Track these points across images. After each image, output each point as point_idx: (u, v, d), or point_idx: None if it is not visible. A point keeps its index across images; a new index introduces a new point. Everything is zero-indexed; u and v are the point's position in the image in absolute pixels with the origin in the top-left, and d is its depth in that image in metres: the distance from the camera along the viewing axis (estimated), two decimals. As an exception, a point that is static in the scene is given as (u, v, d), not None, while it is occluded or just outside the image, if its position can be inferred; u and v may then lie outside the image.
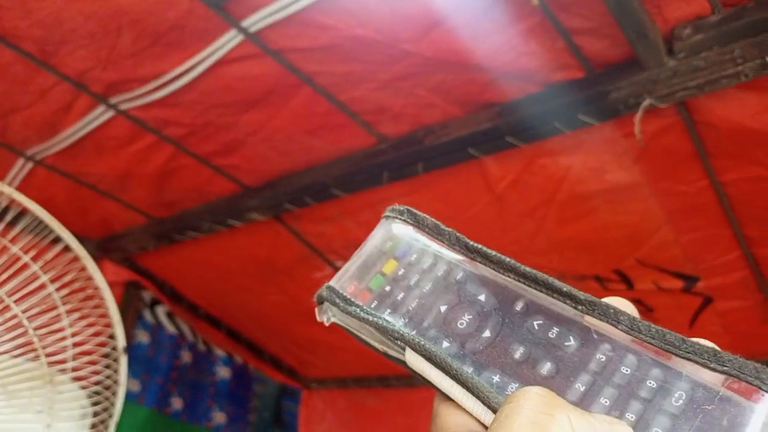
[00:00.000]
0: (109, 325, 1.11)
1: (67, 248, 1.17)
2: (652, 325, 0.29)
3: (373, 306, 0.35)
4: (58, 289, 1.05)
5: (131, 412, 1.87)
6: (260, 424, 2.67)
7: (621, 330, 0.30)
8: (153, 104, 1.19)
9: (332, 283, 0.36)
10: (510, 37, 0.91)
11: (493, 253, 0.35)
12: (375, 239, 0.38)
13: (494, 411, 0.29)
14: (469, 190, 1.23)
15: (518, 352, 0.31)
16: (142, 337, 1.97)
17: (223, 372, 2.23)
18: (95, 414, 1.09)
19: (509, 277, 0.33)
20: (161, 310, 2.05)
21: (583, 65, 0.93)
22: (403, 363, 0.34)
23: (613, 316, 0.30)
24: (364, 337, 0.36)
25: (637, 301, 1.32)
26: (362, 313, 0.34)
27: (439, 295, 0.34)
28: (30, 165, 1.44)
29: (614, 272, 1.25)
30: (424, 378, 0.33)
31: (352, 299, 0.35)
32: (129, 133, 1.30)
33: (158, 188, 1.51)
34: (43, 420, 1.00)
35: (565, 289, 0.31)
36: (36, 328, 0.99)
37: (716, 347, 0.27)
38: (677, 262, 1.19)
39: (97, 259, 1.80)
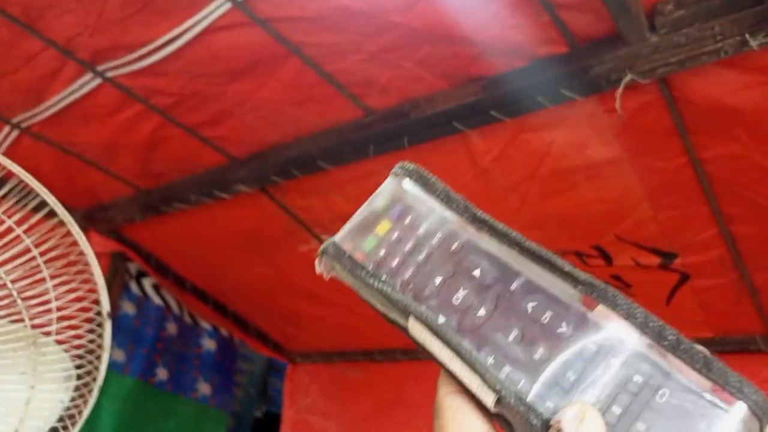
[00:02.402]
0: (93, 291, 1.12)
1: (52, 214, 1.17)
2: (650, 316, 0.29)
3: (370, 268, 0.34)
4: (42, 254, 1.05)
5: (116, 382, 1.89)
6: (246, 399, 2.71)
7: (619, 315, 0.29)
8: (140, 72, 1.19)
9: (337, 239, 0.35)
10: (496, 10, 0.92)
11: (500, 225, 0.34)
12: (378, 196, 0.37)
13: (493, 390, 0.29)
14: (454, 164, 1.24)
15: (512, 334, 0.30)
16: (128, 308, 1.98)
17: (209, 344, 2.25)
18: (79, 377, 1.10)
19: (513, 250, 0.32)
20: (147, 282, 2.06)
21: (567, 40, 0.95)
22: (404, 329, 0.33)
23: (611, 300, 0.29)
24: (365, 295, 0.35)
25: (615, 278, 1.35)
26: (367, 277, 0.34)
27: (436, 264, 0.33)
28: (16, 133, 1.43)
29: (594, 248, 1.28)
30: (424, 347, 0.32)
31: (358, 260, 0.34)
32: (116, 102, 1.30)
33: (145, 159, 1.51)
34: (26, 381, 1.01)
35: (566, 268, 0.31)
36: (19, 291, 0.99)
37: (707, 353, 0.28)
38: (655, 239, 1.21)
39: (84, 230, 1.79)
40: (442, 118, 1.11)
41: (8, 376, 1.00)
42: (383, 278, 0.34)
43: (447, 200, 0.36)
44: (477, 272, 0.32)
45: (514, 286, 0.31)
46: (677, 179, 1.09)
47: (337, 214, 1.51)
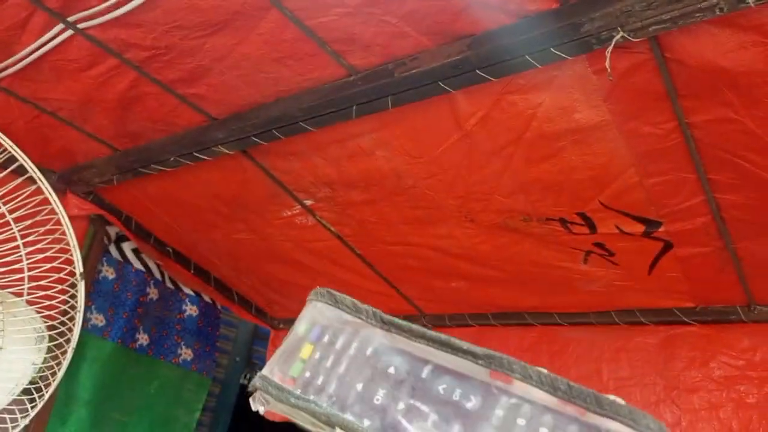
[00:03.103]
0: (67, 251, 1.09)
1: (24, 174, 1.13)
2: (542, 373, 0.32)
3: (299, 392, 0.37)
4: (11, 212, 1.02)
5: (96, 346, 1.87)
6: (232, 366, 2.71)
7: (517, 379, 0.33)
8: (113, 23, 1.14)
9: (265, 372, 0.39)
10: (484, -38, 0.88)
11: (404, 323, 0.38)
12: (298, 325, 0.41)
13: None
14: (438, 126, 1.21)
15: (430, 419, 0.33)
16: (108, 272, 1.95)
17: (191, 310, 2.23)
18: (52, 339, 1.08)
19: (419, 342, 0.36)
20: (127, 246, 2.02)
21: (557, -5, 0.91)
22: None
23: (507, 366, 0.33)
24: (297, 421, 0.38)
25: (598, 245, 1.34)
26: (293, 399, 0.36)
27: (355, 373, 0.36)
28: (-16, 87, 1.38)
29: (578, 215, 1.26)
30: None
31: (284, 386, 0.37)
32: (88, 56, 1.24)
33: (121, 117, 1.46)
34: (-4, 341, 0.98)
35: (465, 347, 0.35)
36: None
37: (596, 392, 0.31)
38: (640, 206, 1.20)
39: (60, 191, 1.76)
40: (427, 77, 1.08)
41: (-24, 335, 0.98)
42: (310, 398, 0.37)
43: (356, 311, 0.40)
44: (391, 369, 0.36)
45: (424, 374, 0.35)
46: (665, 145, 1.07)
47: (319, 177, 1.48)
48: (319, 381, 0.37)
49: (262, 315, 2.40)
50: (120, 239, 2.00)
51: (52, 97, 1.41)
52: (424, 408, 0.34)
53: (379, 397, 0.35)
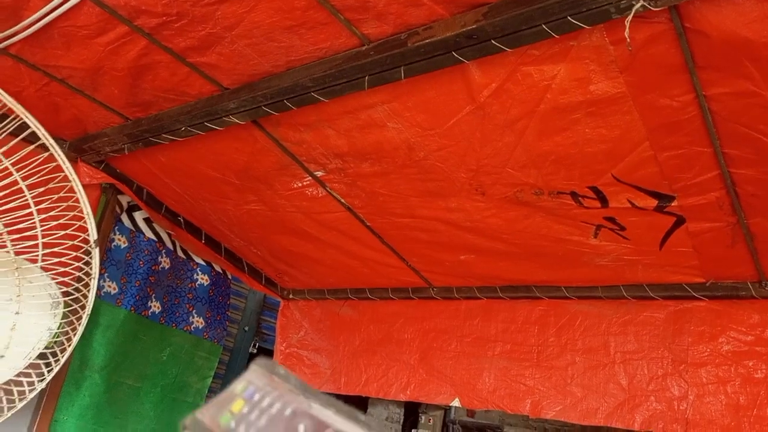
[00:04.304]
0: (79, 219, 1.10)
1: (36, 143, 1.14)
2: None
3: None
4: (23, 179, 1.02)
5: (109, 313, 1.90)
6: (242, 336, 2.74)
7: None
8: (123, -11, 1.13)
9: (198, 414, 0.45)
10: (502, -72, 0.86)
11: (322, 395, 0.44)
12: (237, 383, 0.47)
13: None
14: (451, 98, 1.20)
15: None
16: (120, 241, 1.97)
17: (202, 279, 2.25)
18: (67, 305, 1.10)
19: (329, 410, 0.42)
20: (139, 216, 2.04)
21: (576, -37, 0.89)
22: None
23: None
24: None
25: (609, 219, 1.33)
26: None
27: (272, 427, 0.42)
28: (-5, 53, 1.37)
29: (590, 189, 1.25)
30: None
31: (211, 429, 0.44)
32: (98, 22, 1.23)
33: (132, 86, 1.45)
34: (11, 308, 1.00)
35: (363, 419, 0.40)
36: (2, 213, 0.97)
37: None
38: (654, 180, 1.19)
39: (71, 160, 1.76)
40: (441, 46, 1.06)
41: (-9, 300, 0.99)
42: None
43: (286, 379, 0.46)
44: (301, 427, 0.42)
45: None
46: (681, 118, 1.06)
47: (330, 149, 1.48)
48: (241, 430, 0.43)
49: (272, 285, 2.42)
50: (132, 208, 2.01)
51: (62, 65, 1.41)
52: None
53: None
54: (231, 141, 1.57)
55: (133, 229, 2.01)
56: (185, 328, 2.14)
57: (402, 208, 1.57)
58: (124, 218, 2.00)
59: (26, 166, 1.06)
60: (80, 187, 1.08)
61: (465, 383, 1.76)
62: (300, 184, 1.66)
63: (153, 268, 2.06)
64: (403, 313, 2.04)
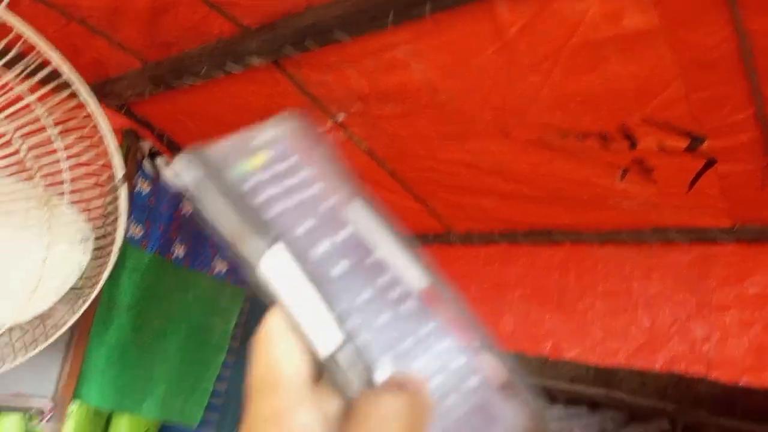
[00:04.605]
0: (102, 156, 1.11)
1: (59, 82, 1.14)
2: (474, 319, 0.33)
3: (237, 192, 0.32)
4: (50, 114, 1.03)
5: (135, 256, 1.94)
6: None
7: (452, 311, 0.33)
8: None
9: (208, 150, 0.33)
10: None
11: (373, 201, 0.35)
12: (262, 130, 0.36)
13: (340, 334, 0.30)
14: (476, 37, 1.16)
15: (361, 297, 0.31)
16: (143, 186, 1.99)
17: (224, 224, 2.28)
18: (96, 240, 1.12)
19: (380, 226, 0.34)
20: (161, 161, 2.05)
21: None
22: (252, 266, 0.31)
23: (447, 298, 0.33)
24: (217, 218, 0.32)
25: (637, 162, 1.31)
26: (236, 194, 0.31)
27: (302, 214, 0.32)
28: (13, -8, 1.36)
29: (618, 130, 1.23)
30: (274, 289, 0.31)
31: (228, 176, 0.32)
32: (116, -42, 1.21)
33: (151, 26, 1.44)
34: (43, 240, 1.02)
35: (420, 261, 0.34)
36: (30, 148, 0.98)
37: (509, 361, 0.33)
38: (685, 121, 1.16)
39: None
40: (468, -20, 1.03)
41: (23, 233, 1.02)
42: (252, 202, 0.32)
43: (330, 159, 0.36)
44: (342, 234, 0.33)
45: (372, 258, 0.33)
46: (717, 54, 1.02)
47: (351, 91, 1.46)
48: (261, 198, 0.32)
49: (293, 232, 2.44)
50: (153, 154, 2.03)
51: (81, 4, 1.39)
52: (359, 284, 0.32)
53: (320, 249, 0.32)
54: (250, 84, 1.55)
55: (156, 173, 2.02)
56: (209, 272, 2.18)
57: (424, 151, 1.56)
58: (146, 164, 2.02)
59: (49, 103, 1.07)
60: (105, 124, 1.09)
61: (485, 326, 1.78)
62: (320, 129, 1.65)
63: (175, 213, 2.08)
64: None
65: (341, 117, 1.58)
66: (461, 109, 1.34)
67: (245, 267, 0.32)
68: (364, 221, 0.34)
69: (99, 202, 1.11)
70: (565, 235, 1.70)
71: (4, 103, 0.98)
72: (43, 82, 1.12)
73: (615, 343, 1.52)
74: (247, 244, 0.31)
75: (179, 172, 0.33)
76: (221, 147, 0.34)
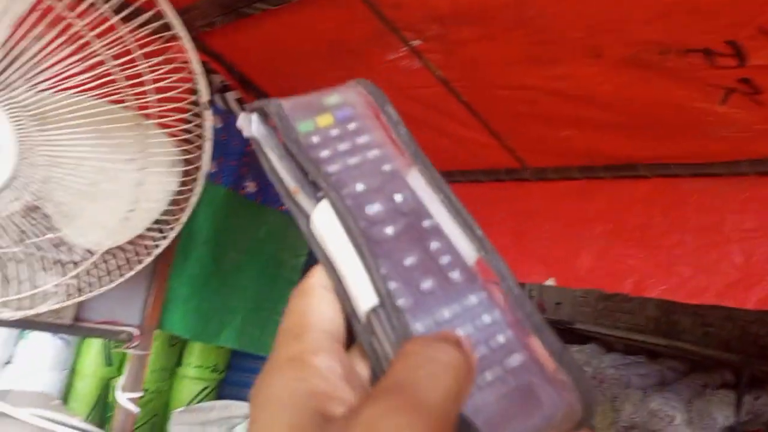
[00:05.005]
0: (189, 81, 1.11)
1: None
2: (524, 296, 0.32)
3: (298, 145, 0.33)
4: (135, 38, 1.03)
5: (210, 191, 1.98)
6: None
7: (500, 286, 0.32)
8: None
9: (282, 101, 0.35)
10: None
11: (435, 170, 0.34)
12: (332, 93, 0.37)
13: (378, 294, 0.30)
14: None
15: (408, 260, 0.31)
16: (215, 121, 2.01)
17: (293, 161, 2.29)
18: (184, 165, 1.13)
19: (438, 195, 0.33)
20: (231, 96, 2.05)
21: None
22: (306, 218, 0.33)
23: (499, 271, 0.32)
24: (277, 169, 0.34)
25: (743, 81, 1.20)
26: (298, 147, 0.33)
27: (361, 175, 0.33)
28: None
29: (727, 43, 1.12)
30: (319, 246, 0.32)
31: (290, 126, 0.33)
32: None
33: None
34: (137, 163, 1.04)
35: (478, 232, 0.33)
36: (122, 70, 0.98)
37: (560, 343, 0.31)
38: (807, 31, 1.04)
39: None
40: None
41: (118, 156, 1.04)
42: (312, 156, 0.33)
43: (395, 127, 0.36)
44: (398, 197, 0.33)
45: (425, 224, 0.33)
46: None
47: (429, 12, 1.39)
48: (322, 154, 0.33)
49: (359, 170, 2.43)
50: (223, 89, 2.03)
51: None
52: (408, 248, 0.32)
53: (374, 209, 0.32)
54: (324, 9, 1.51)
55: (227, 109, 2.03)
56: (279, 208, 2.21)
57: (503, 78, 1.49)
58: (217, 99, 2.03)
59: (138, 27, 1.06)
60: (191, 46, 1.08)
61: (561, 263, 1.73)
62: (394, 56, 1.60)
63: (246, 148, 2.10)
64: (495, 196, 2.01)
65: (416, 43, 1.52)
66: (550, 28, 1.26)
67: (299, 219, 0.34)
68: (423, 187, 0.34)
69: (186, 126, 1.12)
70: (651, 169, 1.61)
71: (99, 29, 0.98)
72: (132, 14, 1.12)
73: (704, 280, 1.44)
74: (300, 198, 0.33)
75: (245, 124, 0.35)
76: (289, 103, 0.35)
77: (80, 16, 0.96)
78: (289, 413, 0.27)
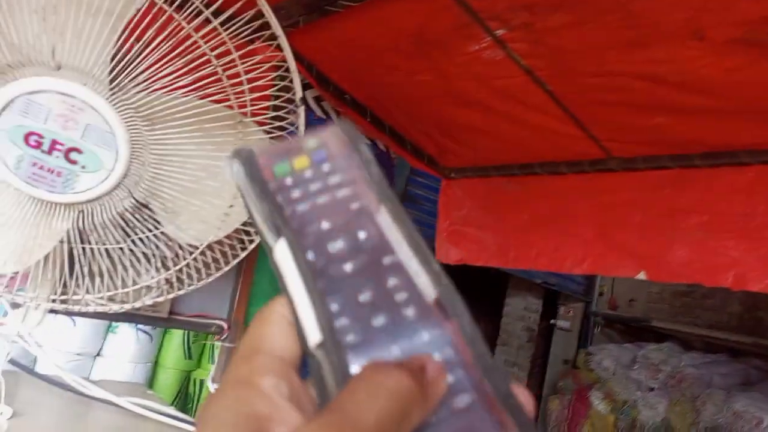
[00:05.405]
0: (285, 79, 1.13)
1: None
2: (478, 337, 0.31)
3: (271, 187, 0.35)
4: (235, 40, 1.05)
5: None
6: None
7: (455, 325, 0.32)
8: None
9: (255, 149, 0.37)
10: None
11: (401, 209, 0.35)
12: (308, 137, 0.38)
13: (321, 331, 0.30)
14: None
15: (363, 296, 0.32)
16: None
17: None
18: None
19: (400, 233, 0.34)
20: (309, 94, 2.09)
21: None
22: (270, 252, 0.35)
23: (455, 310, 0.32)
24: (251, 208, 0.36)
25: None
26: (263, 192, 0.35)
27: (329, 213, 0.35)
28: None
29: None
30: (280, 276, 0.34)
31: (262, 172, 0.36)
32: None
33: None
34: (237, 160, 1.07)
35: (435, 267, 0.33)
36: (223, 68, 1.01)
37: (512, 380, 0.30)
38: None
39: (247, 38, 1.82)
40: None
41: (221, 154, 1.07)
42: (278, 199, 0.35)
43: (368, 166, 0.37)
44: (362, 234, 0.34)
45: (386, 260, 0.33)
46: None
47: (515, 1, 1.36)
48: (294, 195, 0.35)
49: (434, 164, 2.42)
50: (304, 86, 2.06)
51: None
52: (365, 285, 0.32)
53: (335, 246, 0.34)
54: (407, 2, 1.51)
55: (305, 107, 2.07)
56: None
57: (593, 65, 1.44)
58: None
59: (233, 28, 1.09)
60: (286, 45, 1.10)
61: (652, 256, 1.67)
62: (477, 47, 1.58)
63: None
64: (577, 188, 1.95)
65: (500, 32, 1.50)
66: (648, 10, 1.21)
67: (268, 252, 0.35)
68: (389, 224, 0.35)
69: (278, 125, 1.14)
70: (753, 156, 1.53)
71: (203, 31, 1.02)
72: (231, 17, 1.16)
73: (816, 272, 1.35)
74: (266, 234, 0.35)
75: (229, 168, 0.37)
76: (271, 148, 0.38)
77: (186, 19, 1.00)
78: None
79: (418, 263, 0.33)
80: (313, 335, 0.31)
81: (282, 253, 0.34)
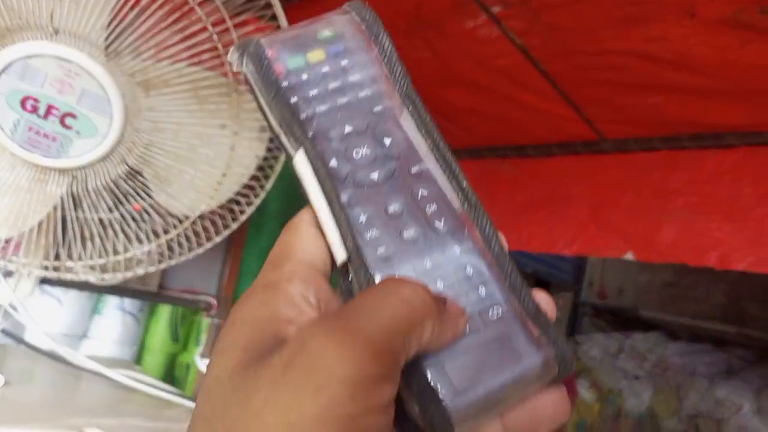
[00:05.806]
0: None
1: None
2: (505, 254, 0.32)
3: (284, 85, 0.32)
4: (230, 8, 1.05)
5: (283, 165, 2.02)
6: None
7: (482, 239, 0.31)
8: None
9: (263, 40, 0.33)
10: None
11: (428, 115, 0.33)
12: (324, 25, 0.34)
13: (347, 248, 0.30)
14: None
15: (392, 207, 0.31)
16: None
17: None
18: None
19: (427, 141, 0.33)
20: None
21: None
22: (290, 157, 0.33)
23: (483, 226, 0.32)
24: (265, 109, 0.33)
25: None
26: (277, 89, 0.32)
27: (350, 115, 0.32)
28: None
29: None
30: (302, 185, 0.32)
31: (273, 66, 0.32)
32: None
33: None
34: (230, 128, 1.07)
35: (464, 184, 0.32)
36: (218, 35, 1.01)
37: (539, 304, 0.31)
38: None
39: (239, 14, 1.81)
40: None
41: (214, 121, 1.07)
42: (293, 99, 0.32)
43: (389, 63, 0.34)
44: (387, 141, 0.32)
45: (414, 169, 0.32)
46: None
47: (512, -22, 1.37)
48: (311, 93, 0.32)
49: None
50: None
51: None
52: (393, 194, 0.31)
53: (360, 153, 0.32)
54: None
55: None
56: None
57: (589, 43, 1.45)
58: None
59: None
60: (282, 14, 1.10)
61: (640, 237, 1.69)
62: (472, 24, 1.58)
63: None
64: (570, 169, 1.97)
65: (496, 9, 1.50)
66: (643, -13, 1.22)
67: (287, 158, 0.33)
68: (414, 130, 0.33)
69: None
70: (739, 138, 1.55)
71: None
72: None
73: (800, 252, 1.38)
74: (284, 139, 0.33)
75: (235, 62, 0.34)
76: (280, 38, 0.34)
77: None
78: (247, 335, 0.27)
79: (444, 176, 0.33)
80: (339, 253, 0.31)
81: (302, 164, 0.32)
